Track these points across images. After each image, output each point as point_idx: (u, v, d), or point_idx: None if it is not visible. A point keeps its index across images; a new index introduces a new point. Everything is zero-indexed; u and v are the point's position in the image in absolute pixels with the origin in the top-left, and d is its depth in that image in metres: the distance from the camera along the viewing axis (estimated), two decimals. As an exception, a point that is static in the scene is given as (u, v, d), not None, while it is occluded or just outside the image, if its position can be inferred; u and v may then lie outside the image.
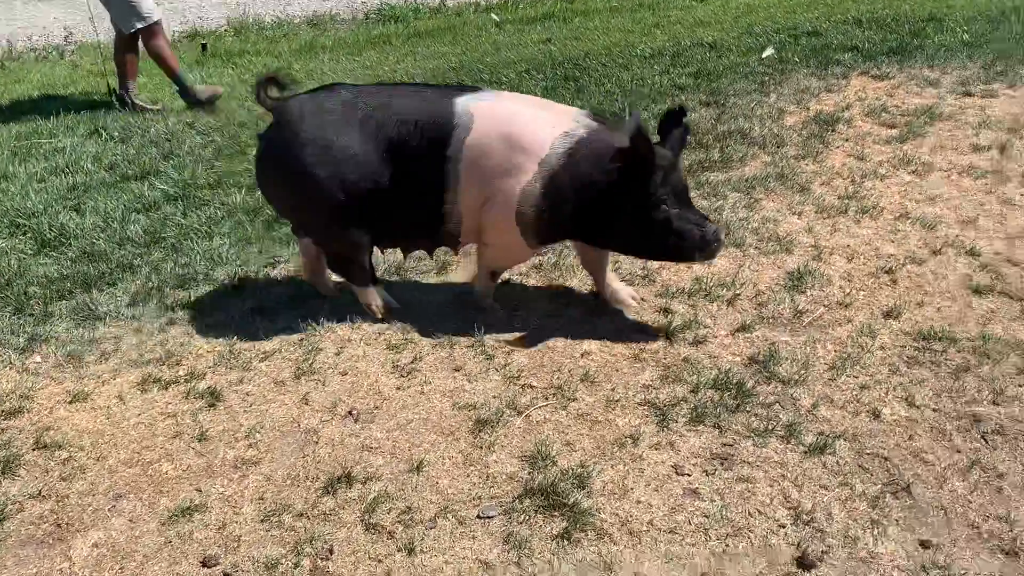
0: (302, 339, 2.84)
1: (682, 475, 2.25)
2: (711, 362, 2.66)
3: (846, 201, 3.56)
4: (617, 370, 2.67)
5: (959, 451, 2.27)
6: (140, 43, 5.13)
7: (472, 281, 3.06)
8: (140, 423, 2.51)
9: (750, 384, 2.54)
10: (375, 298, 2.95)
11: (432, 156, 2.67)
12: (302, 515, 2.16)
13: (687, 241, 2.63)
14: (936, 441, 2.31)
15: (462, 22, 7.21)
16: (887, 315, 2.85)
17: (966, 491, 2.15)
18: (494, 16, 7.26)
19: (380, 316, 2.93)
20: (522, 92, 5.07)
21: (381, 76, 5.63)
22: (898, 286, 3.00)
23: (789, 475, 2.22)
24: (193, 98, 5.13)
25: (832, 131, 4.27)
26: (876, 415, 2.40)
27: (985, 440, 2.30)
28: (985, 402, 2.42)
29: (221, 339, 2.87)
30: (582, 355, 2.74)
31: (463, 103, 2.68)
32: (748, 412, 2.44)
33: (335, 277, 3.10)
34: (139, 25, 4.99)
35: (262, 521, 2.15)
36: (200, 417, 2.52)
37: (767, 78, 5.13)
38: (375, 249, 2.98)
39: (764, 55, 5.62)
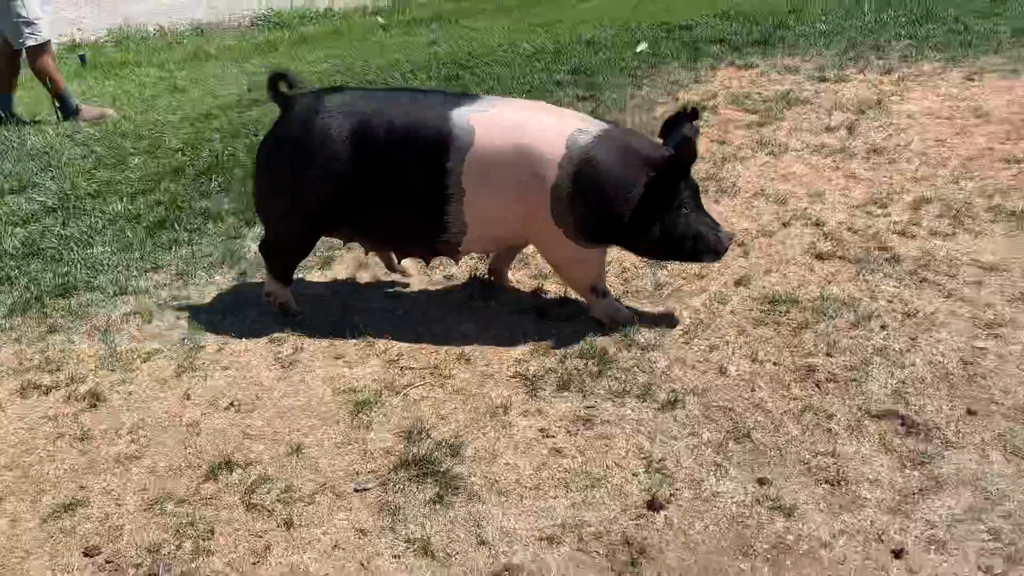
0: (184, 338, 2.90)
1: (548, 437, 2.41)
2: (574, 334, 2.83)
3: (707, 183, 3.80)
4: (492, 347, 2.82)
5: (795, 399, 2.51)
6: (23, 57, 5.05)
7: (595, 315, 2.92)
8: (20, 428, 2.53)
9: (612, 351, 2.73)
10: (283, 296, 3.01)
11: (429, 166, 2.70)
12: (184, 502, 2.24)
13: (702, 243, 2.77)
14: (775, 391, 2.54)
15: (349, 26, 7.29)
16: (738, 283, 3.09)
17: (799, 432, 2.38)
18: (379, 19, 7.36)
19: (280, 311, 3.01)
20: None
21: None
22: (749, 257, 3.25)
23: (643, 429, 2.42)
24: (79, 118, 5.07)
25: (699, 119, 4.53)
26: (723, 372, 2.62)
27: (818, 387, 2.55)
28: (820, 354, 2.67)
29: (103, 343, 2.91)
30: (460, 336, 2.89)
31: (461, 114, 2.71)
32: (609, 376, 2.63)
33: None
34: (31, 43, 4.91)
35: (145, 511, 2.22)
36: (82, 418, 2.56)
37: (640, 71, 5.39)
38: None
39: (638, 50, 5.89)
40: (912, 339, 2.72)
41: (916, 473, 2.21)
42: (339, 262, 3.37)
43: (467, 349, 2.81)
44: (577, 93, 5.10)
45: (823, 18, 6.34)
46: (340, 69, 5.80)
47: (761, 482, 2.22)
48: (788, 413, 2.45)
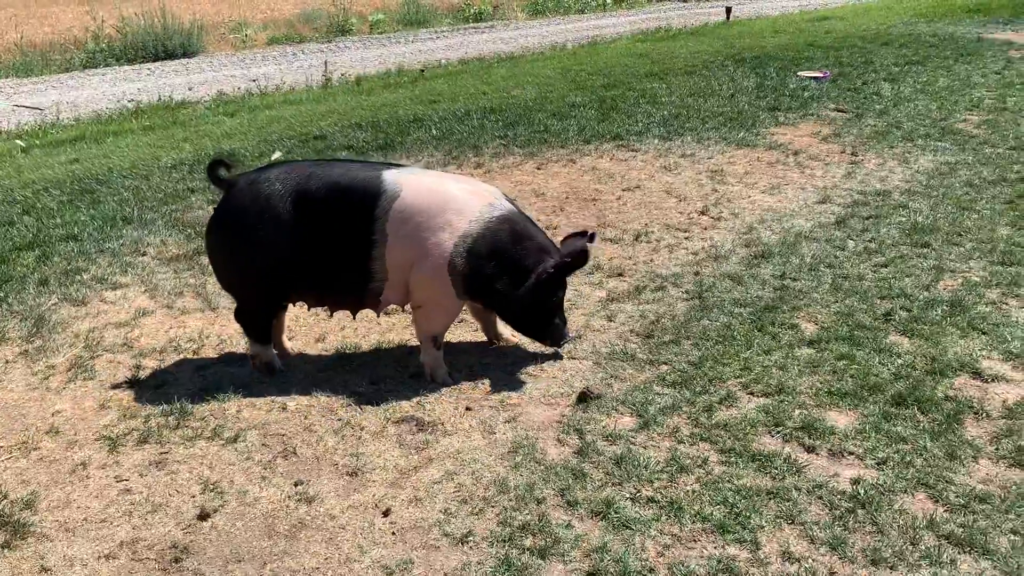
0: None
1: (121, 481, 2.80)
2: (164, 398, 3.26)
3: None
4: (83, 420, 3.16)
5: (339, 419, 3.12)
6: None
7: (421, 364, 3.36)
8: None
9: (191, 407, 3.19)
10: (265, 355, 3.38)
11: (360, 218, 3.10)
12: None
13: (554, 333, 3.36)
14: (324, 416, 3.14)
15: (-15, 150, 7.24)
16: (318, 340, 3.71)
17: (335, 443, 2.98)
18: (19, 142, 7.39)
19: (263, 372, 3.37)
20: (39, 207, 5.42)
21: None
22: (334, 317, 3.89)
23: (207, 462, 2.89)
24: None
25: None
26: (284, 408, 3.19)
27: (360, 408, 3.18)
28: (365, 384, 3.33)
29: None
30: (52, 414, 3.20)
31: (392, 174, 3.18)
32: (186, 426, 3.08)
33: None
34: None
35: None
36: None
37: (270, 176, 6.01)
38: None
39: (273, 158, 6.54)
40: (439, 364, 3.48)
41: (416, 456, 2.89)
42: (-62, 367, 3.53)
43: (57, 423, 3.13)
44: (208, 197, 5.60)
45: (438, 125, 7.45)
46: (-34, 191, 5.82)
47: (297, 484, 2.78)
48: (330, 430, 3.06)
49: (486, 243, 3.15)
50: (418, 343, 3.41)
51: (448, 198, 3.17)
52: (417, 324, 3.37)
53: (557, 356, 3.50)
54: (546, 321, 3.34)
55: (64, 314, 4.01)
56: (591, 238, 3.29)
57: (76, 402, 3.28)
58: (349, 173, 3.21)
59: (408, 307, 3.37)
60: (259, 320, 3.35)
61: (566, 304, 3.51)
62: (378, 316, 3.63)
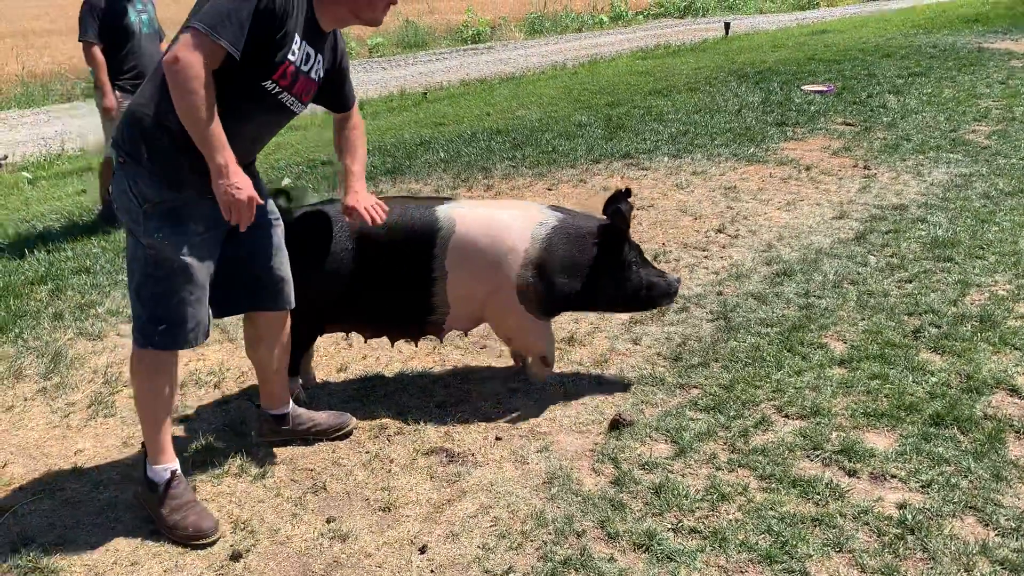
0: None
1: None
2: (188, 434, 3.21)
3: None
4: (107, 458, 3.10)
5: (367, 451, 3.07)
6: None
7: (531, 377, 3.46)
8: None
9: (216, 443, 3.13)
10: (293, 387, 3.28)
11: (419, 255, 3.11)
12: None
13: (656, 291, 3.27)
14: (352, 448, 3.09)
15: (-8, 184, 7.22)
16: (339, 370, 3.66)
17: (365, 477, 2.93)
18: (25, 174, 7.37)
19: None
20: (50, 240, 5.39)
21: None
22: (354, 346, 3.84)
23: (235, 500, 2.83)
24: None
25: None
26: (307, 442, 3.13)
27: (388, 440, 3.13)
28: (391, 415, 3.28)
29: None
30: (75, 453, 3.14)
31: (445, 210, 3.16)
32: (212, 463, 3.02)
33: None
34: None
35: None
36: None
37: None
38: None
39: (282, 185, 6.51)
40: (465, 391, 3.42)
41: (449, 489, 2.84)
42: (-44, 406, 3.47)
43: (80, 462, 3.07)
44: (219, 227, 5.56)
45: (445, 147, 7.43)
46: (-26, 225, 5.79)
47: (329, 520, 2.72)
48: (359, 463, 3.00)
49: (549, 262, 3.16)
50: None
51: (501, 227, 3.16)
52: (522, 350, 3.45)
53: (585, 382, 3.45)
54: (638, 287, 3.26)
55: (81, 349, 3.96)
56: (627, 193, 3.19)
57: (98, 440, 3.22)
58: (407, 212, 3.18)
59: (468, 333, 3.51)
60: (296, 352, 3.28)
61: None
62: (441, 342, 3.64)
